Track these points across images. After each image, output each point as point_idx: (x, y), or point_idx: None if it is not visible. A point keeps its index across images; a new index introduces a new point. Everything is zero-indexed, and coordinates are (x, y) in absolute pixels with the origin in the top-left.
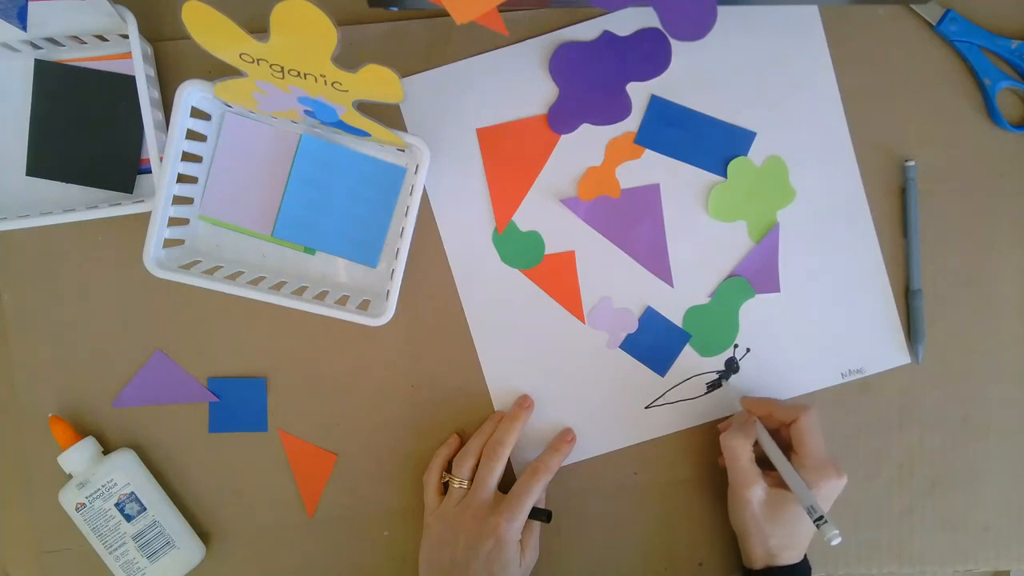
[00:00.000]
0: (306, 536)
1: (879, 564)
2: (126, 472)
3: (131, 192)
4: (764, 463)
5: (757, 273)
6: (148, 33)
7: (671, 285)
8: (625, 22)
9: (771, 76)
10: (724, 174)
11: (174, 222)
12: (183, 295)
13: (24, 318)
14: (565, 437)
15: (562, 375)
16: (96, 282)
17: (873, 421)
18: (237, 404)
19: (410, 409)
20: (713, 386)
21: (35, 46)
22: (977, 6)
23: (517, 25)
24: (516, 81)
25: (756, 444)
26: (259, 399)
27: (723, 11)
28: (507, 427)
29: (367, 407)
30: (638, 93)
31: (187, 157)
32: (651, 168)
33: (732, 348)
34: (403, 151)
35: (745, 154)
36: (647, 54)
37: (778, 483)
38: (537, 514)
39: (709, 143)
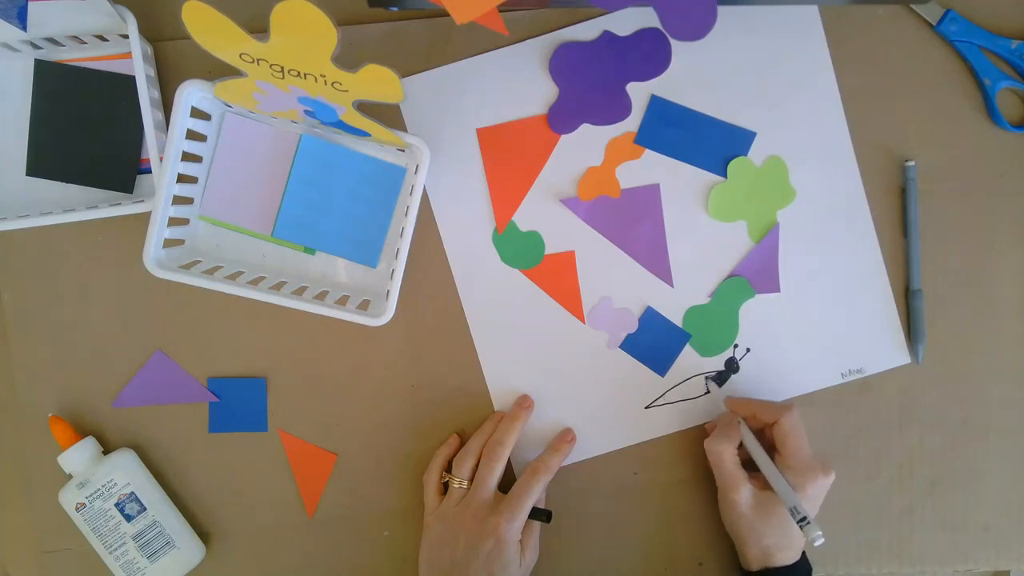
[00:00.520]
0: (306, 536)
1: (879, 564)
2: (126, 472)
3: (131, 192)
4: (752, 464)
5: (757, 273)
6: (148, 33)
7: (671, 285)
8: (625, 22)
9: (771, 76)
10: (724, 174)
11: (174, 222)
12: (183, 295)
13: (24, 318)
14: (565, 437)
15: (562, 375)
16: (96, 282)
17: (873, 421)
18: (237, 404)
19: (410, 409)
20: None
21: (35, 46)
22: (977, 6)
23: (517, 25)
24: (516, 81)
25: (743, 445)
26: (259, 399)
27: (723, 11)
28: (507, 427)
29: (367, 407)
30: (638, 93)
31: (187, 157)
32: (651, 168)
33: (732, 348)
34: (403, 151)
35: (745, 154)
36: (647, 54)
37: (766, 484)
38: (537, 514)
39: (709, 143)
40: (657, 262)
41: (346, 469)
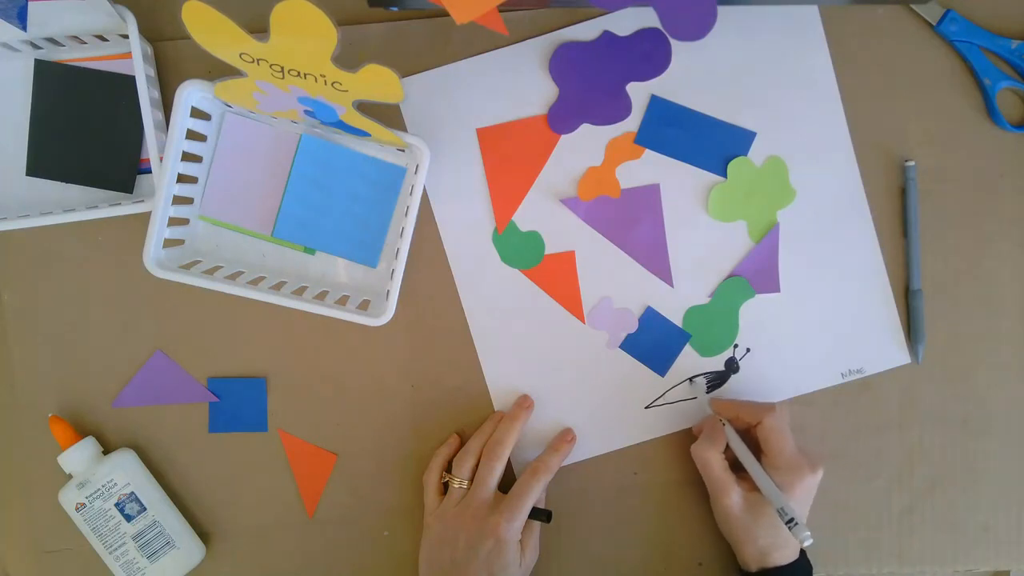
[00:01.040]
0: (306, 536)
1: (879, 564)
2: (126, 472)
3: (131, 192)
4: (741, 465)
5: (757, 273)
6: (148, 33)
7: (671, 285)
8: (625, 22)
9: (771, 76)
10: (724, 174)
11: (174, 222)
12: (183, 295)
13: (24, 318)
14: (565, 437)
15: (562, 375)
16: (96, 282)
17: (873, 421)
18: (237, 404)
19: (410, 409)
20: (713, 386)
21: (35, 46)
22: (977, 6)
23: (517, 25)
24: (516, 81)
25: (731, 448)
26: (259, 399)
27: (723, 11)
28: (507, 427)
29: (367, 407)
30: (638, 93)
31: (187, 157)
32: (651, 168)
33: (732, 348)
34: (403, 151)
35: (745, 154)
36: (647, 54)
37: (755, 486)
38: (537, 514)
39: (709, 143)
40: (657, 262)
41: (346, 469)
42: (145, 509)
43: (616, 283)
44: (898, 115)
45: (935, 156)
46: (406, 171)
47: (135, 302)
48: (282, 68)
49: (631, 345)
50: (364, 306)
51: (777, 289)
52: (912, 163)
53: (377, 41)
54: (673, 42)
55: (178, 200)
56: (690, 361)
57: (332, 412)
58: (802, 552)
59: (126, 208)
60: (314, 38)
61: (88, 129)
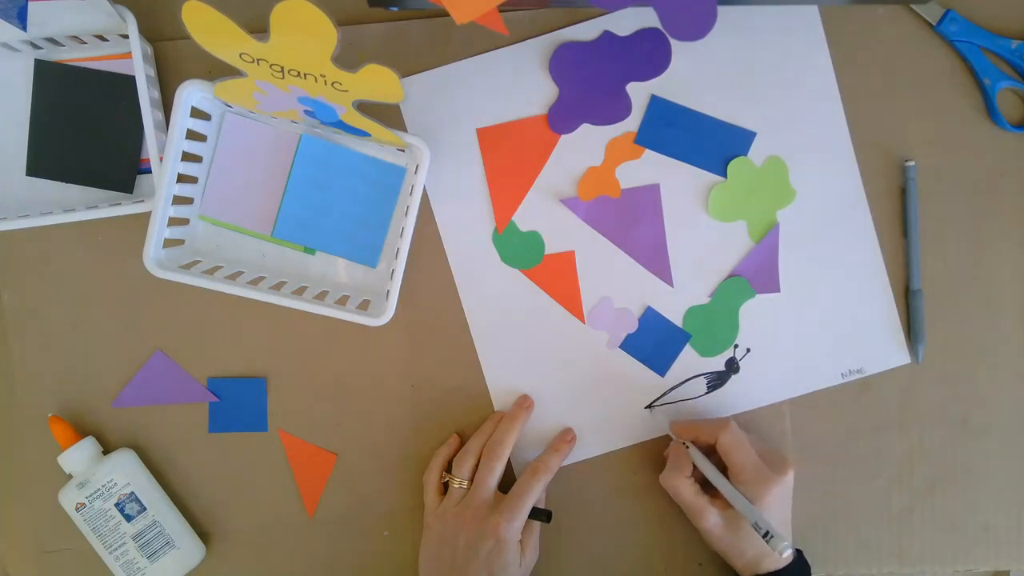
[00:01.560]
0: (306, 536)
1: (879, 564)
2: (126, 472)
3: (131, 192)
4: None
5: (757, 273)
6: (148, 33)
7: (671, 285)
8: (625, 22)
9: (771, 76)
10: (724, 174)
11: (174, 222)
12: (183, 295)
13: (24, 318)
14: (565, 437)
15: (562, 375)
16: (96, 282)
17: (873, 421)
18: (237, 404)
19: (410, 409)
20: (713, 386)
21: (35, 46)
22: (977, 6)
23: (517, 25)
24: (516, 81)
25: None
26: (259, 399)
27: (723, 11)
28: (507, 427)
29: (367, 407)
30: (638, 93)
31: (187, 157)
32: (651, 168)
33: (732, 348)
34: (403, 151)
35: (745, 154)
36: (647, 54)
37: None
38: (537, 514)
39: (709, 143)
40: (657, 262)
41: (346, 469)
42: (145, 509)
43: (616, 283)
44: (898, 115)
45: (935, 156)
46: (406, 171)
47: (135, 302)
48: (282, 68)
49: (631, 345)
50: (364, 306)
51: (777, 289)
52: (912, 163)
53: (377, 41)
54: (673, 42)
55: (178, 200)
56: (690, 361)
57: (332, 412)
58: (798, 552)
59: (126, 208)
60: (314, 38)
61: (88, 129)
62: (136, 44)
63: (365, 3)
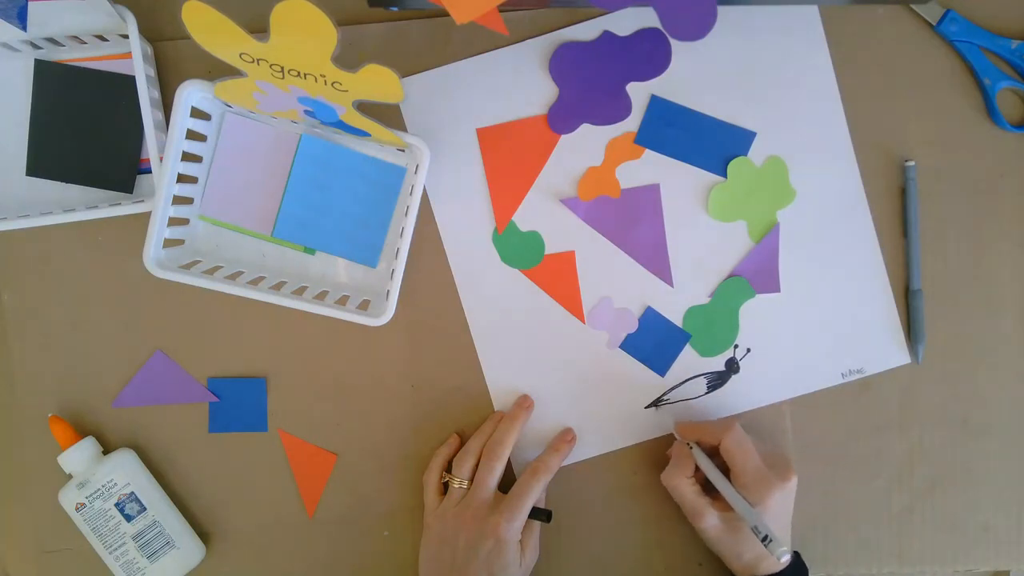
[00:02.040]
0: (306, 536)
1: (879, 564)
2: (126, 472)
3: (131, 192)
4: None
5: (757, 273)
6: (148, 33)
7: (671, 285)
8: (625, 22)
9: (771, 76)
10: (724, 174)
11: (174, 222)
12: (183, 295)
13: (24, 318)
14: (565, 437)
15: (562, 375)
16: (96, 282)
17: (873, 421)
18: (237, 404)
19: (410, 409)
20: (713, 386)
21: (35, 46)
22: (977, 6)
23: (517, 25)
24: (516, 81)
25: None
26: (259, 399)
27: (723, 11)
28: (507, 427)
29: (367, 407)
30: (638, 93)
31: (187, 157)
32: (651, 168)
33: (732, 348)
34: (403, 151)
35: (745, 154)
36: (647, 54)
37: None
38: (537, 514)
39: (709, 143)
40: (657, 262)
41: (346, 469)
42: (145, 509)
43: (616, 283)
44: (898, 115)
45: (935, 156)
46: (406, 171)
47: (135, 302)
48: (282, 68)
49: (631, 345)
50: (364, 306)
51: (777, 289)
52: (912, 163)
53: (377, 41)
54: (673, 42)
55: (178, 200)
56: (690, 361)
57: (332, 412)
58: (795, 553)
59: (126, 208)
60: (314, 38)
61: (88, 129)
62: (136, 44)
63: (365, 3)
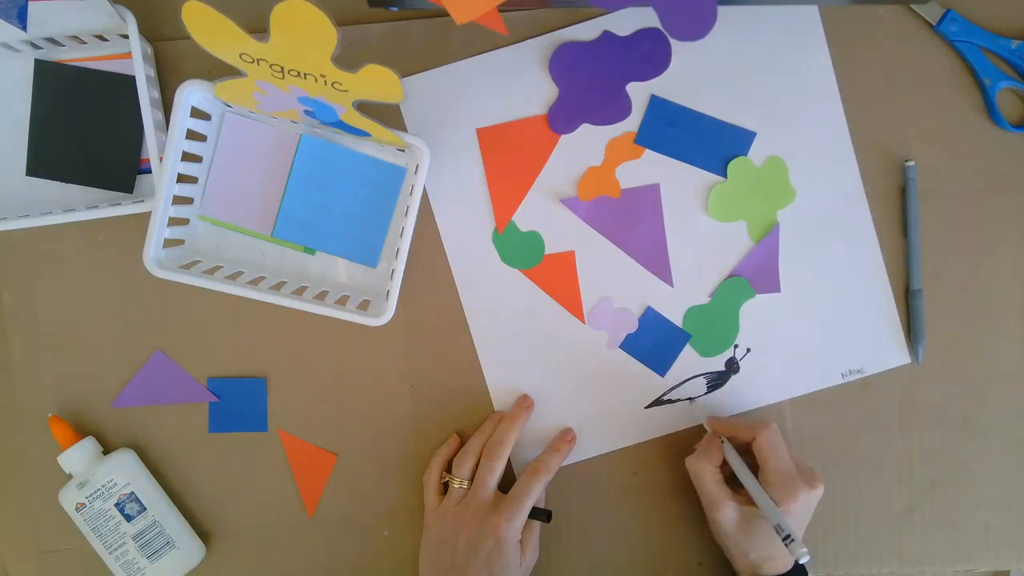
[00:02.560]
0: (306, 536)
1: (879, 564)
2: (126, 472)
3: (131, 192)
4: (737, 481)
5: (757, 273)
6: (148, 33)
7: (671, 285)
8: (625, 22)
9: (771, 76)
10: (724, 174)
11: (174, 222)
12: (183, 295)
13: (24, 318)
14: (565, 437)
15: (562, 375)
16: (96, 282)
17: (873, 421)
18: (237, 404)
19: (410, 409)
20: (713, 386)
21: (35, 46)
22: (977, 6)
23: (517, 25)
24: (516, 81)
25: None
26: (259, 399)
27: (723, 11)
28: (507, 427)
29: (367, 407)
30: (638, 93)
31: (187, 157)
32: (651, 168)
33: (732, 348)
34: (403, 151)
35: (745, 154)
36: (647, 54)
37: (751, 500)
38: (537, 514)
39: (709, 143)
40: (657, 262)
41: (346, 469)
42: (145, 509)
43: (616, 283)
44: (898, 115)
45: (935, 156)
46: (406, 171)
47: (135, 302)
48: (282, 68)
49: (631, 345)
50: (364, 306)
51: (777, 289)
52: (912, 163)
53: (377, 41)
54: (673, 42)
55: (178, 200)
56: (690, 361)
57: (332, 412)
58: (795, 561)
59: (126, 208)
60: (314, 38)
61: (88, 129)
62: (136, 44)
63: (365, 3)
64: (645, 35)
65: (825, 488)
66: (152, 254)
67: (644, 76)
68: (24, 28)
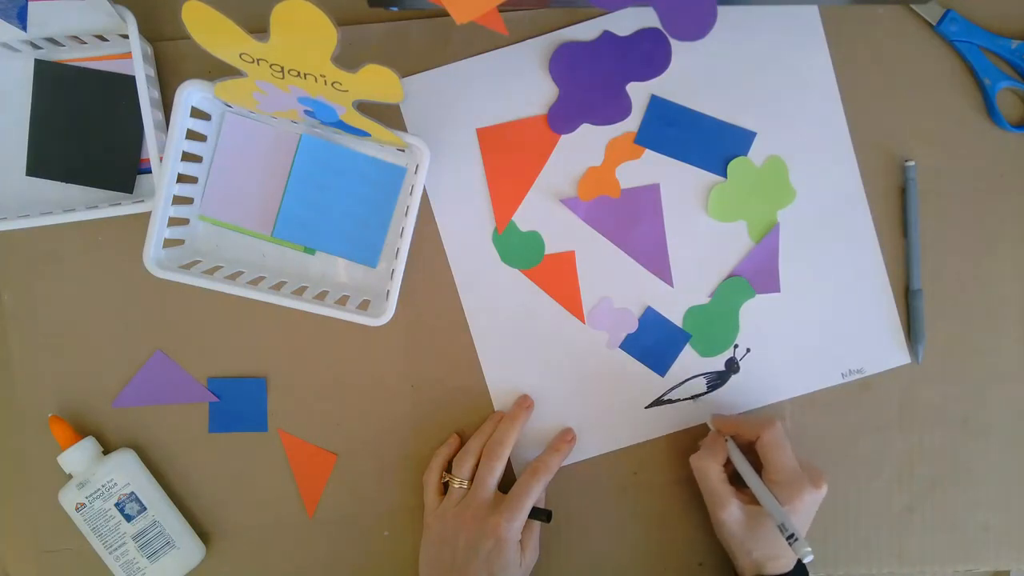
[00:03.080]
0: (306, 536)
1: (879, 564)
2: (126, 472)
3: (131, 192)
4: (740, 480)
5: (757, 273)
6: (148, 33)
7: (671, 285)
8: (625, 22)
9: (771, 76)
10: (724, 174)
11: (174, 222)
12: (183, 295)
13: (24, 318)
14: (565, 437)
15: (562, 375)
16: (96, 282)
17: (873, 421)
18: (237, 404)
19: (410, 409)
20: (713, 386)
21: (35, 46)
22: (977, 6)
23: (517, 25)
24: (516, 81)
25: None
26: (259, 399)
27: (723, 11)
28: (507, 427)
29: (367, 407)
30: (638, 93)
31: (187, 157)
32: (651, 168)
33: (732, 348)
34: (403, 151)
35: (745, 154)
36: (647, 54)
37: (755, 499)
38: (537, 514)
39: (709, 143)
40: (657, 262)
41: (346, 469)
42: (145, 509)
43: (616, 283)
44: (898, 115)
45: (935, 156)
46: (406, 171)
47: (135, 302)
48: (282, 68)
49: (631, 345)
50: (364, 306)
51: (777, 289)
52: (912, 163)
53: (377, 41)
54: (673, 42)
55: (178, 200)
56: (690, 361)
57: (332, 412)
58: (798, 560)
59: (126, 208)
60: (314, 38)
61: (88, 129)
62: (136, 44)
63: (365, 3)
64: (645, 35)
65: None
66: (152, 254)
67: (644, 76)
68: (24, 28)
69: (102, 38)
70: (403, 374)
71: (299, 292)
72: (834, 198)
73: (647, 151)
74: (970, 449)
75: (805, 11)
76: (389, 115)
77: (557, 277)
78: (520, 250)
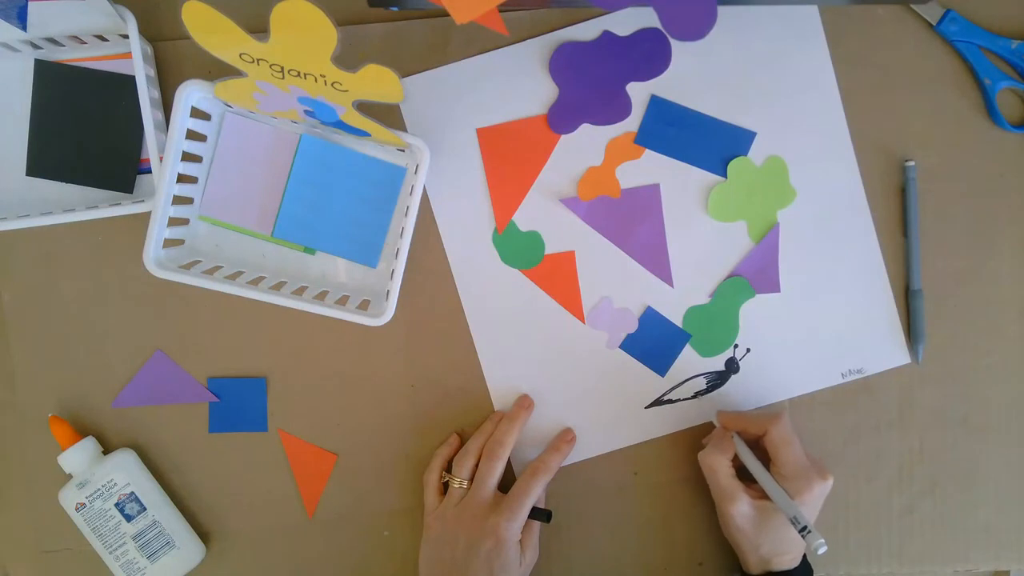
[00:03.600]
0: (306, 536)
1: (879, 564)
2: (126, 472)
3: (131, 192)
4: (748, 475)
5: (757, 273)
6: (148, 33)
7: (671, 285)
8: (625, 22)
9: (771, 76)
10: (724, 174)
11: (174, 222)
12: (183, 295)
13: (24, 318)
14: (565, 437)
15: (562, 375)
16: (96, 282)
17: (873, 421)
18: (237, 404)
19: (410, 409)
20: (713, 386)
21: (35, 46)
22: (977, 6)
23: (517, 25)
24: (516, 81)
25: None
26: (259, 399)
27: (723, 11)
28: (507, 427)
29: (367, 407)
30: (638, 93)
31: (187, 157)
32: (651, 168)
33: (732, 348)
34: (403, 151)
35: (745, 154)
36: (647, 54)
37: (764, 494)
38: (537, 514)
39: (709, 143)
40: (657, 262)
41: (346, 469)
42: (145, 509)
43: (616, 283)
44: (898, 115)
45: (935, 156)
46: (406, 171)
47: (135, 302)
48: (282, 68)
49: (631, 345)
50: (364, 306)
51: (777, 289)
52: (912, 163)
53: (377, 41)
54: (673, 42)
55: (178, 200)
56: (690, 361)
57: (332, 412)
58: (803, 556)
59: (126, 208)
60: (314, 38)
61: (88, 129)
62: (136, 44)
63: (365, 3)
64: (645, 35)
65: None
66: (152, 254)
67: (644, 76)
68: (24, 28)
69: (102, 38)
70: (403, 374)
71: (299, 292)
72: (834, 198)
73: (647, 151)
74: (970, 449)
75: (805, 11)
76: (389, 115)
77: (557, 277)
78: (520, 250)
